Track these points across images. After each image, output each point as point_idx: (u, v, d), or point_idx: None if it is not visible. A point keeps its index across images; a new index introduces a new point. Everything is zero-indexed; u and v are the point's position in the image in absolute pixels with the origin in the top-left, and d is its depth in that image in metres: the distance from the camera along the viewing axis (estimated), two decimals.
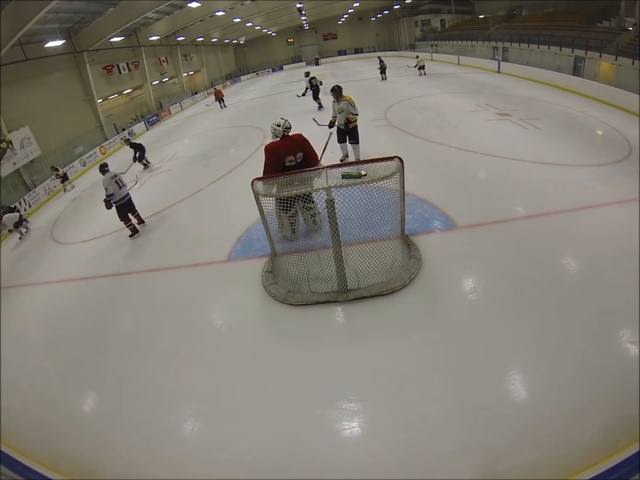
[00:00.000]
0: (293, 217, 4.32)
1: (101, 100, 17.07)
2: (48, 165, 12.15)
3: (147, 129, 18.89)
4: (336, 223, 3.27)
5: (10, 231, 8.26)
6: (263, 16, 26.23)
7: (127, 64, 19.51)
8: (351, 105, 6.03)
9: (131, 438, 2.73)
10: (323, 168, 3.57)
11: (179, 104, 23.48)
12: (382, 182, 3.29)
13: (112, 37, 16.18)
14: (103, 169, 5.94)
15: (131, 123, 19.18)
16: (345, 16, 34.93)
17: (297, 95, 13.60)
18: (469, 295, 3.44)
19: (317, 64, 33.63)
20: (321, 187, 3.23)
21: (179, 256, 5.07)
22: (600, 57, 12.05)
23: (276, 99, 17.26)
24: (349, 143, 6.48)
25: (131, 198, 6.11)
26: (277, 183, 3.68)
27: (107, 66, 17.89)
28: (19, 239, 8.01)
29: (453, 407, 2.47)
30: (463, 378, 2.65)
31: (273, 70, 37.60)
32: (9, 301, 5.33)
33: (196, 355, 3.38)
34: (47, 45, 13.04)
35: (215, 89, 21.96)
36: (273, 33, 36.67)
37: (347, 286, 3.55)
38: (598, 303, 3.09)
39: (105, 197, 5.79)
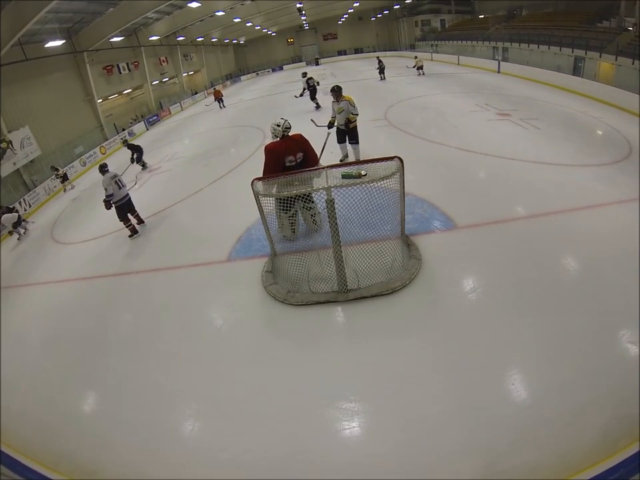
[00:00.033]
0: (293, 217, 4.32)
1: (100, 100, 17.07)
2: (48, 165, 12.16)
3: (147, 129, 18.89)
4: (336, 223, 3.27)
5: (10, 232, 8.25)
6: (262, 16, 26.24)
7: (127, 64, 19.51)
8: (351, 105, 6.03)
9: (131, 438, 2.73)
10: (323, 168, 3.57)
11: (178, 104, 23.48)
12: (382, 182, 3.29)
13: (112, 37, 16.19)
14: (103, 169, 5.94)
15: (130, 123, 19.18)
16: (345, 16, 34.93)
17: (295, 96, 13.63)
18: (468, 295, 3.44)
19: (317, 64, 33.65)
20: (320, 187, 3.24)
21: (179, 256, 5.07)
22: (600, 57, 12.05)
23: (276, 99, 17.26)
24: (349, 143, 6.48)
25: (130, 198, 6.11)
26: (277, 183, 3.68)
27: (107, 66, 17.89)
28: (18, 239, 8.01)
29: (453, 407, 2.47)
30: (463, 378, 2.65)
31: (273, 70, 37.61)
32: (9, 300, 5.33)
33: (196, 355, 3.38)
34: (47, 45, 13.05)
35: (215, 89, 21.95)
36: (273, 33, 36.67)
37: (347, 286, 3.55)
38: (598, 302, 3.09)
39: (104, 197, 5.79)
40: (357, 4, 28.44)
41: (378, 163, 3.43)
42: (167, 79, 24.53)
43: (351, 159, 6.62)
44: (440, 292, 3.52)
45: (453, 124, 8.53)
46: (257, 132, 11.15)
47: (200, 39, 27.16)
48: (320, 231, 4.45)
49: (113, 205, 5.86)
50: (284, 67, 37.81)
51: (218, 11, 20.15)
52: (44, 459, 2.67)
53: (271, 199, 3.87)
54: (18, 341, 4.29)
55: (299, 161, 4.33)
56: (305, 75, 12.75)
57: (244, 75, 36.91)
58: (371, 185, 3.27)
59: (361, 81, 17.78)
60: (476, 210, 4.71)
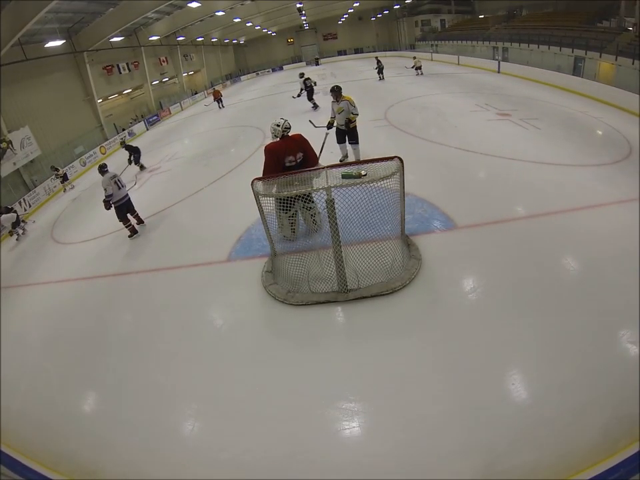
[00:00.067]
0: (292, 217, 4.32)
1: (101, 100, 17.07)
2: (48, 165, 12.16)
3: (147, 129, 18.89)
4: (336, 223, 3.27)
5: (10, 232, 8.25)
6: (262, 16, 26.24)
7: (127, 64, 19.51)
8: (352, 105, 6.03)
9: (131, 438, 2.73)
10: (323, 168, 3.57)
11: (178, 104, 23.48)
12: (382, 182, 3.29)
13: (112, 37, 16.18)
14: (102, 169, 5.94)
15: (130, 123, 19.18)
16: (345, 16, 34.93)
17: (292, 97, 13.67)
18: (468, 295, 3.44)
19: (317, 64, 33.67)
20: (321, 187, 3.23)
21: (179, 256, 5.07)
22: (600, 57, 12.05)
23: (276, 99, 17.25)
24: (349, 143, 6.47)
25: (130, 198, 6.11)
26: (277, 183, 3.68)
27: (107, 66, 17.89)
28: (16, 239, 8.01)
29: (453, 407, 2.47)
30: (463, 378, 2.65)
31: (273, 70, 37.61)
32: (9, 301, 5.33)
33: (196, 355, 3.38)
34: (47, 45, 13.05)
35: (214, 89, 21.96)
36: (273, 33, 36.67)
37: (347, 286, 3.55)
38: (598, 302, 3.09)
39: (104, 198, 5.79)
40: (357, 4, 28.44)
41: (378, 163, 3.43)
42: (167, 79, 24.53)
43: (351, 159, 6.62)
44: (440, 292, 3.52)
45: (453, 124, 8.53)
46: (256, 132, 11.15)
47: (200, 39, 27.16)
48: (320, 231, 4.44)
49: (112, 205, 5.86)
50: (284, 67, 37.81)
51: (218, 11, 20.15)
52: (44, 459, 2.67)
53: (270, 198, 3.87)
54: (18, 341, 4.29)
55: (298, 161, 4.33)
56: (302, 75, 12.81)
57: (244, 75, 36.90)
58: (371, 185, 3.27)
59: (361, 81, 17.78)
60: (476, 210, 4.71)
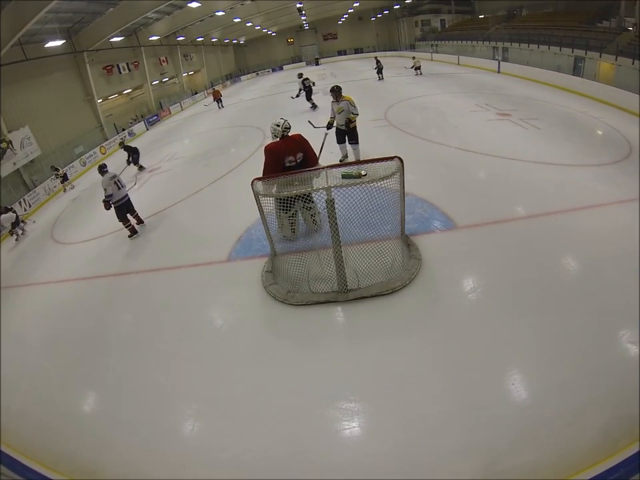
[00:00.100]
0: (292, 217, 4.32)
1: (101, 100, 17.07)
2: (48, 165, 12.16)
3: (147, 129, 18.89)
4: (336, 223, 3.27)
5: (10, 232, 8.25)
6: (262, 16, 26.24)
7: (127, 64, 19.51)
8: (352, 105, 6.02)
9: (131, 438, 2.73)
10: (323, 168, 3.57)
11: (178, 104, 23.48)
12: (382, 182, 3.29)
13: (112, 37, 16.19)
14: (102, 169, 5.94)
15: (130, 123, 19.18)
16: (345, 16, 34.93)
17: (291, 97, 13.68)
18: (468, 295, 3.44)
19: (317, 64, 33.68)
20: (321, 187, 3.24)
21: (179, 256, 5.07)
22: (600, 57, 12.05)
23: (276, 99, 17.25)
24: (349, 143, 6.47)
25: (129, 199, 6.11)
26: (277, 183, 3.68)
27: (107, 66, 17.89)
28: (16, 240, 8.01)
29: (453, 407, 2.47)
30: (463, 378, 2.65)
31: (273, 70, 37.60)
32: (9, 300, 5.33)
33: (196, 355, 3.38)
34: (47, 45, 13.05)
35: (214, 89, 21.96)
36: (273, 32, 36.66)
37: (347, 286, 3.55)
38: (598, 302, 3.10)
39: (104, 198, 5.79)
40: (357, 4, 28.44)
41: (378, 163, 3.43)
42: (167, 79, 24.53)
43: (351, 159, 6.61)
44: (440, 292, 3.52)
45: (453, 124, 8.53)
46: (256, 132, 11.15)
47: (200, 39, 27.15)
48: (320, 231, 4.44)
49: (112, 205, 5.86)
50: (284, 67, 37.81)
51: (218, 11, 20.15)
52: (44, 459, 2.67)
53: (270, 198, 3.87)
54: (18, 341, 4.29)
55: (298, 161, 4.33)
56: (300, 75, 12.86)
57: (244, 75, 36.90)
58: (371, 185, 3.27)
59: (361, 81, 17.78)
60: (476, 210, 4.71)
